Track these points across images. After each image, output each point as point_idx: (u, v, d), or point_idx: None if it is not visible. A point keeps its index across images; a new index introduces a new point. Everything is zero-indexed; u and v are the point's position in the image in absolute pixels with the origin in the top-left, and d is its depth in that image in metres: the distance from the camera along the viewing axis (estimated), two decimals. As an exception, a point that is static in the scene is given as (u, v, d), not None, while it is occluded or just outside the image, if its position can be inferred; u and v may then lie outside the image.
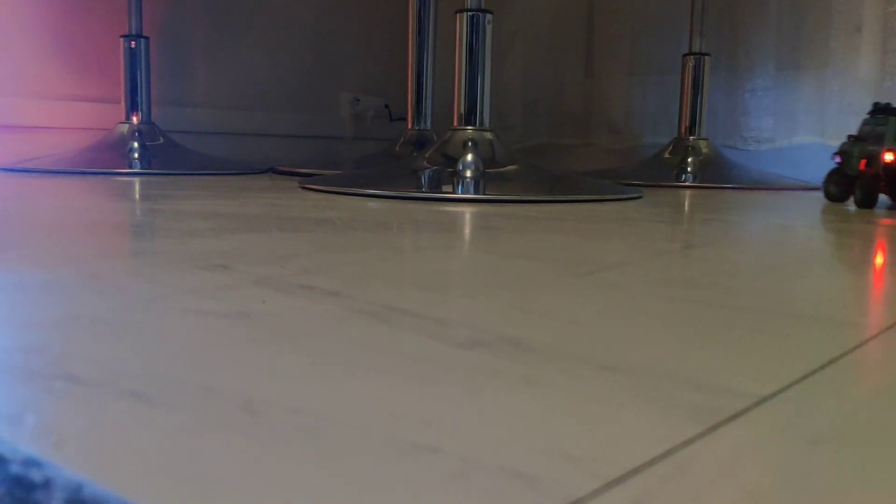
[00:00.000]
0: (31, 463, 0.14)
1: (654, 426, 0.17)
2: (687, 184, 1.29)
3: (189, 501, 0.13)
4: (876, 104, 0.93)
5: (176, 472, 0.14)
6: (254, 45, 1.74)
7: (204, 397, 0.18)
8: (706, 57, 1.39)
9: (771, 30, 1.53)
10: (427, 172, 0.98)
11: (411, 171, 1.01)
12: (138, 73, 1.37)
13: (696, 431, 0.17)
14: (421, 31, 1.51)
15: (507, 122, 1.91)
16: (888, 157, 0.86)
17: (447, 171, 0.95)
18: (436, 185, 0.93)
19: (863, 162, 0.88)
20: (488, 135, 1.00)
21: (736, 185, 1.24)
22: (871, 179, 0.87)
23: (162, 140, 1.38)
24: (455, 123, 1.01)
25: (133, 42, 1.36)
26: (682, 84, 1.41)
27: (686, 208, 0.85)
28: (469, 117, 1.00)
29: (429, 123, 1.50)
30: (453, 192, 0.89)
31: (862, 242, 0.56)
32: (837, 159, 0.92)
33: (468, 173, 0.94)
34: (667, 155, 1.41)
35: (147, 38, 1.38)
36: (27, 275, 0.34)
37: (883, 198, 0.87)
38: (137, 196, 0.83)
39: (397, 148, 1.48)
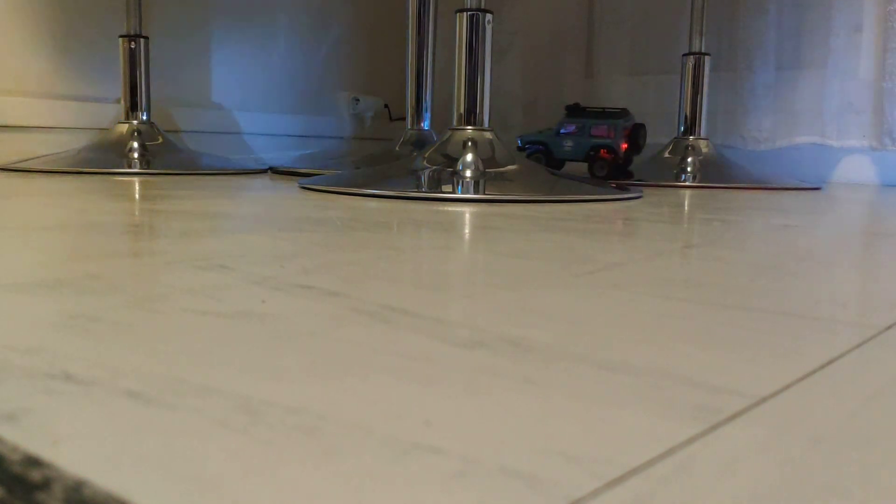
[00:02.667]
0: (30, 462, 0.14)
1: (654, 426, 0.17)
2: (687, 184, 1.29)
3: (188, 500, 0.13)
4: (567, 106, 1.37)
5: (175, 471, 0.14)
6: (253, 45, 1.74)
7: (204, 397, 0.18)
8: (706, 57, 1.39)
9: (771, 29, 1.53)
10: (427, 172, 0.98)
11: (411, 171, 1.01)
12: (138, 73, 1.37)
13: (696, 431, 0.17)
14: (421, 31, 1.51)
15: (507, 122, 1.91)
16: None
17: (447, 171, 0.95)
18: (436, 185, 0.93)
19: None
20: (488, 135, 1.00)
21: (736, 185, 1.24)
22: None
23: (161, 140, 1.38)
24: (455, 123, 1.01)
25: (132, 42, 1.36)
26: (682, 84, 1.41)
27: (686, 208, 0.85)
28: (469, 117, 1.00)
29: (427, 124, 1.50)
30: (453, 192, 0.89)
31: (863, 241, 0.56)
32: None
33: (468, 173, 0.94)
34: (667, 155, 1.41)
35: (147, 38, 1.38)
36: (26, 274, 0.34)
37: None
38: (137, 196, 0.83)
39: (397, 148, 1.48)
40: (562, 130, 1.36)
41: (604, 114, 1.35)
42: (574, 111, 1.38)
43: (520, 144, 1.40)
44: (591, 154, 1.33)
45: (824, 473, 0.15)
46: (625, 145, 1.33)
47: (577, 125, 1.35)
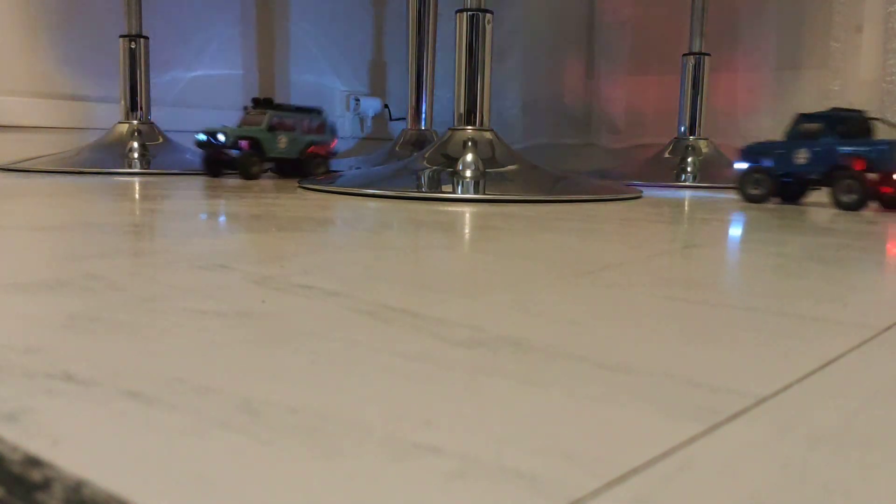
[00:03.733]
0: (30, 462, 0.14)
1: (654, 426, 0.17)
2: (687, 184, 1.29)
3: (188, 500, 0.13)
4: (255, 99, 1.25)
5: (175, 471, 0.14)
6: (253, 45, 1.74)
7: (204, 397, 0.18)
8: (706, 57, 1.39)
9: (771, 29, 1.53)
10: (427, 172, 0.98)
11: (411, 171, 1.01)
12: (138, 73, 1.37)
13: (696, 431, 0.17)
14: (421, 31, 1.51)
15: (507, 122, 1.91)
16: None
17: (447, 171, 0.95)
18: (436, 185, 0.93)
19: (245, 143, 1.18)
20: (488, 135, 1.00)
21: (735, 185, 1.24)
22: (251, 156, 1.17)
23: (161, 140, 1.38)
24: (455, 123, 1.01)
25: (132, 42, 1.36)
26: (683, 84, 1.41)
27: (686, 208, 0.85)
28: (469, 117, 1.00)
29: (424, 123, 1.51)
30: (453, 192, 0.89)
31: (864, 242, 0.56)
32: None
33: (468, 173, 0.94)
34: (667, 155, 1.41)
35: (147, 38, 1.38)
36: (27, 275, 0.34)
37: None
38: (137, 196, 0.83)
39: (397, 148, 1.48)
40: (272, 125, 1.21)
41: (304, 110, 1.26)
42: (269, 105, 1.23)
43: (223, 140, 1.17)
44: (307, 152, 1.25)
45: (824, 473, 0.15)
46: (335, 142, 1.26)
47: (293, 120, 1.24)
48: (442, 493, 0.14)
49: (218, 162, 1.20)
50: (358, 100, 1.94)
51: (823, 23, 1.48)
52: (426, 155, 1.02)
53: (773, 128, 1.54)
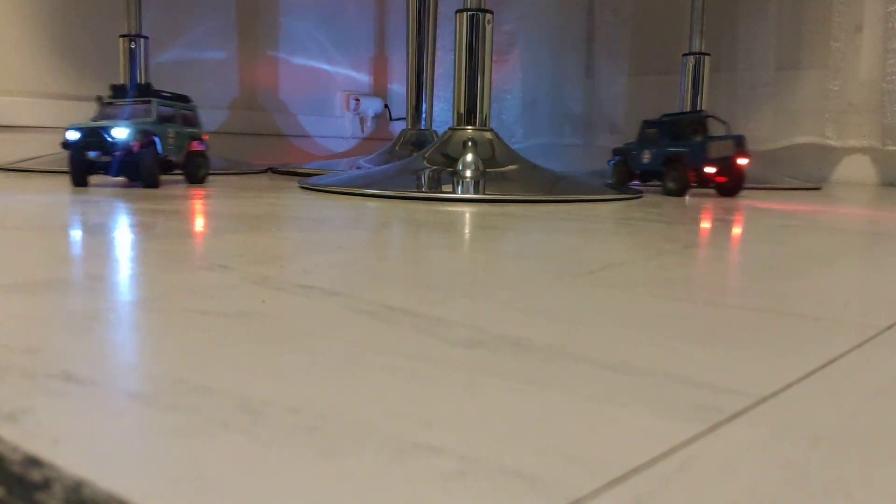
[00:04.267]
0: (30, 462, 0.14)
1: (654, 426, 0.17)
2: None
3: (188, 500, 0.13)
4: (116, 85, 1.03)
5: (175, 471, 0.14)
6: (254, 45, 1.74)
7: (204, 397, 0.18)
8: (706, 57, 1.39)
9: (771, 29, 1.53)
10: (427, 172, 0.98)
11: (411, 171, 1.01)
12: (138, 72, 1.37)
13: (696, 431, 0.17)
14: (421, 31, 1.51)
15: (506, 122, 1.91)
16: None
17: (447, 171, 0.95)
18: (436, 184, 0.93)
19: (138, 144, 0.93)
20: (488, 135, 1.00)
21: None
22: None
23: (162, 140, 1.38)
24: (455, 123, 1.01)
25: (133, 42, 1.36)
26: (682, 84, 1.41)
27: (685, 208, 0.85)
28: (469, 117, 1.00)
29: (424, 123, 1.50)
30: (453, 192, 0.89)
31: (864, 241, 0.56)
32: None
33: (468, 173, 0.94)
34: (667, 155, 1.41)
35: (147, 38, 1.38)
36: (27, 275, 0.34)
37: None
38: (136, 196, 0.83)
39: (397, 148, 1.48)
40: (160, 118, 0.98)
41: (177, 98, 1.04)
42: (147, 92, 1.00)
43: (127, 140, 0.91)
44: (191, 152, 1.03)
45: (824, 473, 0.15)
46: (206, 136, 1.07)
47: (173, 110, 1.02)
48: (442, 493, 0.14)
49: (89, 166, 0.93)
50: (358, 99, 1.94)
51: (823, 23, 1.48)
52: (426, 155, 1.02)
53: (772, 127, 1.54)
